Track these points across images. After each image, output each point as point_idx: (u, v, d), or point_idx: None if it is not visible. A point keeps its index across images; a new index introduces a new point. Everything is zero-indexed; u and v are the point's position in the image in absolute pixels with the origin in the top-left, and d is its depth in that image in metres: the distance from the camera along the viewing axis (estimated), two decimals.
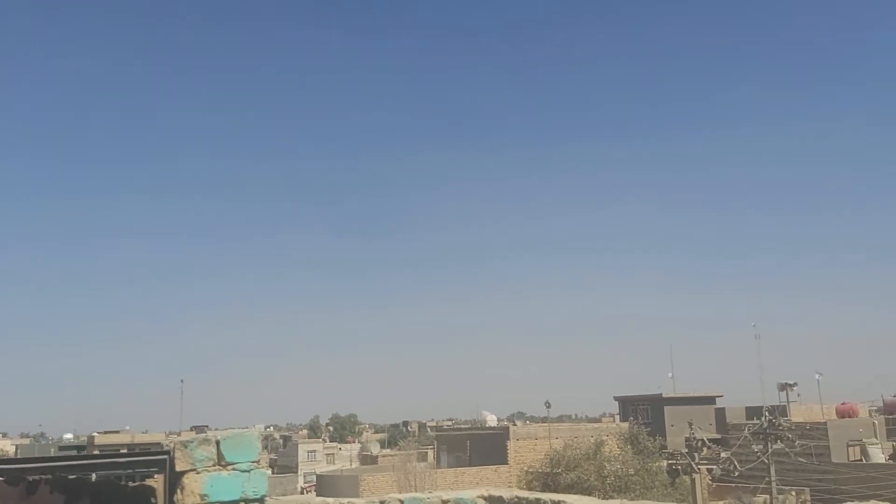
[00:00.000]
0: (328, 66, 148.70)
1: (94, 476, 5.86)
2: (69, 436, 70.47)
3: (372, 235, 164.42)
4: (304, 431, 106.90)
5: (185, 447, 6.09)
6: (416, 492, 7.97)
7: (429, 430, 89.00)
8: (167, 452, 6.18)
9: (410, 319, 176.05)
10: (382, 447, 75.82)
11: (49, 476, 5.78)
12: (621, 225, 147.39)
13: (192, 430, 59.99)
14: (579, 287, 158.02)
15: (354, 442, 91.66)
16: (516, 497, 7.07)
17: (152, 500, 6.05)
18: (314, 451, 79.88)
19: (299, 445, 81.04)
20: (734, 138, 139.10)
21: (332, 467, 67.67)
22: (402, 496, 7.08)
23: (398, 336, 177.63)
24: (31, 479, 5.72)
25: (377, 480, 41.74)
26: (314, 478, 48.70)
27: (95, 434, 61.73)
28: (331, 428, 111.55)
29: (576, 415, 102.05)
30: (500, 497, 7.10)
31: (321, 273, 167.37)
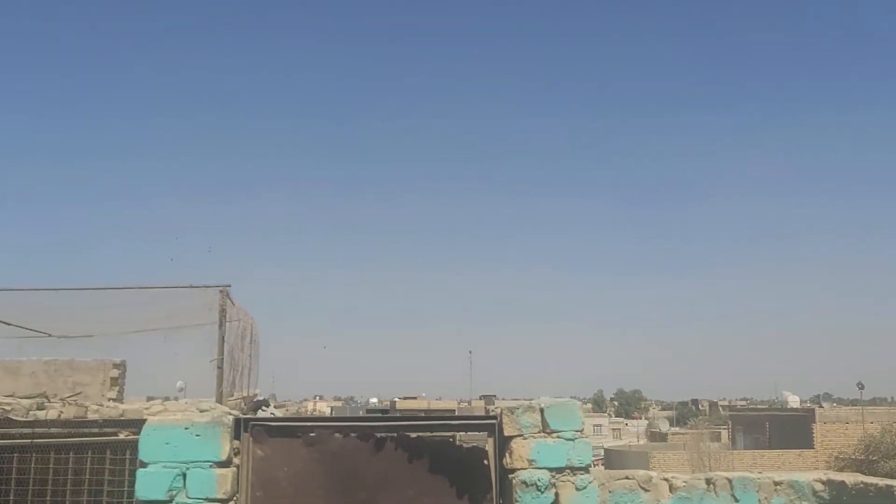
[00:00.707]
0: None
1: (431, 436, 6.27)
2: (374, 400, 76.73)
3: (666, 202, 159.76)
4: (589, 405, 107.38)
5: (512, 413, 6.29)
6: (709, 472, 7.50)
7: (720, 409, 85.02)
8: (495, 418, 6.42)
9: (706, 292, 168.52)
10: (671, 425, 73.84)
11: (394, 434, 6.27)
12: None
13: (480, 398, 62.92)
14: None
15: (641, 418, 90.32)
16: (861, 483, 6.40)
17: (484, 461, 6.32)
18: (600, 425, 79.95)
19: (585, 419, 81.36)
20: None
21: (618, 442, 67.26)
22: (729, 474, 6.71)
23: (690, 310, 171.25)
24: (378, 436, 6.26)
25: (668, 458, 40.69)
26: (601, 452, 48.72)
27: (396, 399, 66.81)
28: (615, 403, 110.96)
29: (893, 397, 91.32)
30: (842, 482, 6.47)
31: (617, 240, 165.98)
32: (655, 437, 64.91)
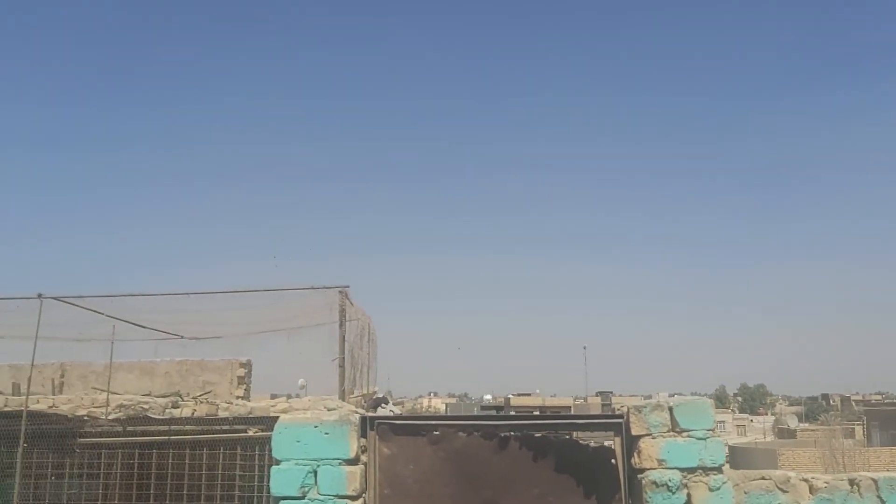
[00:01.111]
0: None
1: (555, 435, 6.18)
2: (488, 397, 76.79)
3: (792, 182, 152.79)
4: (711, 401, 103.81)
5: (640, 412, 6.12)
6: (848, 471, 7.03)
7: (853, 403, 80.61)
8: (621, 417, 6.26)
9: (836, 279, 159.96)
10: (800, 420, 70.58)
11: (518, 433, 6.22)
12: None
13: (596, 395, 61.82)
14: None
15: (767, 414, 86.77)
16: None
17: (612, 461, 6.18)
18: (723, 421, 77.29)
19: None
20: None
21: (743, 439, 64.87)
22: (874, 475, 6.30)
23: (818, 299, 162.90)
24: (502, 435, 6.22)
25: (797, 456, 38.87)
26: (726, 449, 47.11)
27: (510, 396, 66.60)
28: (739, 398, 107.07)
29: None
30: None
31: (738, 225, 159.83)
32: (783, 433, 62.18)
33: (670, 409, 6.10)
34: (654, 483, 5.94)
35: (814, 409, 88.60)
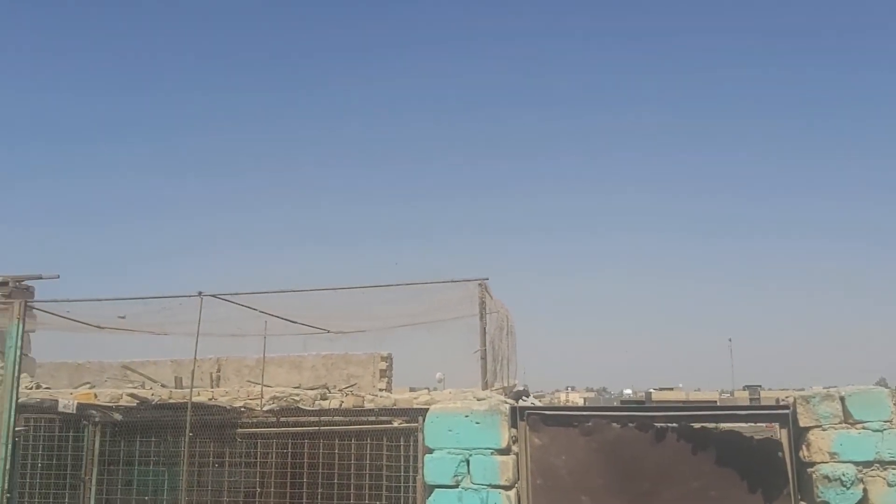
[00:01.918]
0: None
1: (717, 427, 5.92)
2: (628, 391, 75.17)
3: None
4: (888, 391, 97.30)
5: (808, 402, 5.78)
6: None
7: None
8: (787, 407, 5.92)
9: None
10: None
11: (675, 424, 6.00)
12: None
13: (743, 389, 59.32)
14: None
15: None
16: None
17: (778, 454, 5.86)
18: None
19: None
20: None
21: None
22: None
23: None
24: (658, 426, 6.02)
25: None
26: None
27: (652, 390, 64.95)
28: None
29: None
30: None
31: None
32: None
33: (842, 398, 5.72)
34: (826, 477, 5.59)
35: None
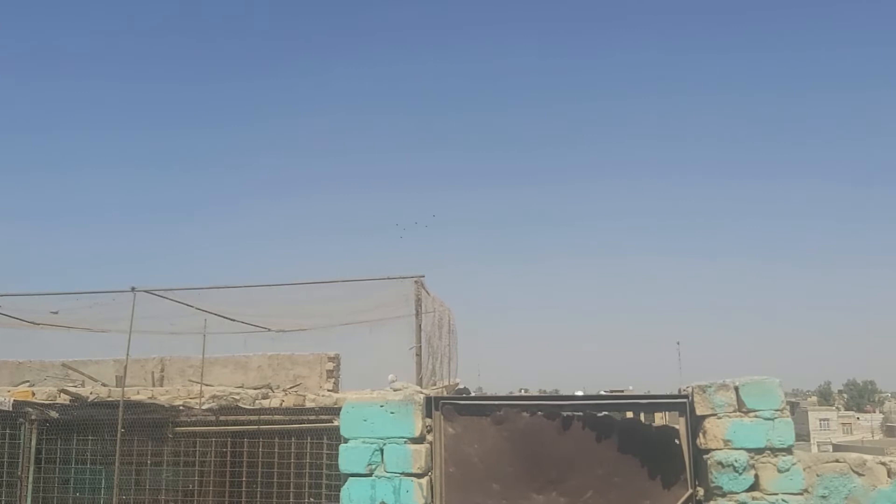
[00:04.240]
0: None
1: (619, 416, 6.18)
2: (580, 393, 75.48)
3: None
4: (814, 398, 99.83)
5: (704, 392, 6.06)
6: None
7: None
8: (686, 397, 6.21)
9: None
10: None
11: (581, 413, 6.26)
12: None
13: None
14: None
15: (875, 412, 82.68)
16: None
17: (675, 441, 6.14)
18: (827, 419, 74.22)
19: (809, 413, 76.00)
20: None
21: (849, 438, 62.04)
22: None
23: None
24: (565, 415, 6.27)
25: None
26: (829, 448, 45.12)
27: (602, 392, 65.58)
28: (845, 395, 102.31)
29: None
30: None
31: (828, 226, 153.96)
32: (893, 431, 59.24)
33: (736, 388, 6.02)
34: (720, 464, 5.88)
35: None
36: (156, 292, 10.38)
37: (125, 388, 11.67)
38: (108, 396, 13.67)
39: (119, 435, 9.66)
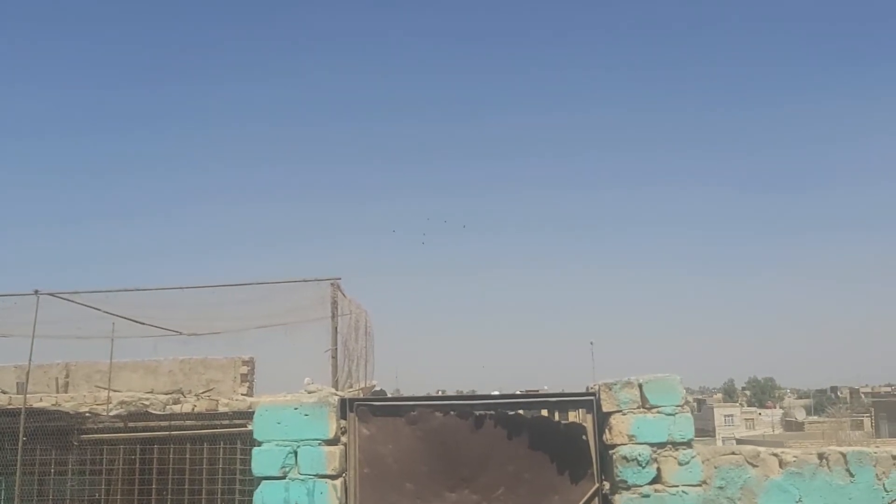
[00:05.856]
0: None
1: (530, 413, 6.36)
2: (496, 392, 76.31)
3: (787, 189, 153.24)
4: (719, 395, 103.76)
5: (610, 389, 6.30)
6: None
7: (863, 396, 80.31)
8: (593, 394, 6.44)
9: (844, 273, 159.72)
10: (808, 414, 70.42)
11: (492, 412, 6.41)
12: None
13: None
14: None
15: (775, 407, 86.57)
16: None
17: (583, 437, 6.36)
18: (731, 415, 77.22)
19: (714, 409, 78.97)
20: None
21: (751, 433, 64.78)
22: (843, 449, 6.45)
23: (826, 292, 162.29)
24: (477, 414, 6.41)
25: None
26: (733, 443, 47.05)
27: (518, 392, 66.44)
28: (747, 392, 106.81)
29: None
30: None
31: (730, 231, 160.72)
32: (791, 426, 62.08)
33: (640, 385, 6.27)
34: (625, 458, 6.12)
35: (822, 402, 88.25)
36: (61, 295, 10.06)
37: (27, 395, 11.24)
38: (9, 404, 13.11)
39: (21, 444, 9.33)
